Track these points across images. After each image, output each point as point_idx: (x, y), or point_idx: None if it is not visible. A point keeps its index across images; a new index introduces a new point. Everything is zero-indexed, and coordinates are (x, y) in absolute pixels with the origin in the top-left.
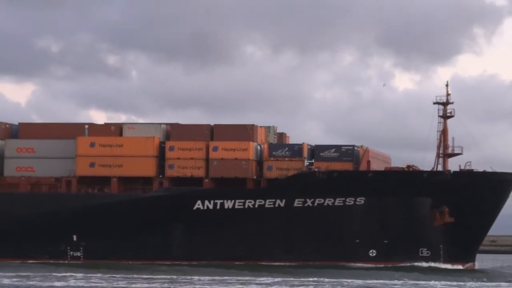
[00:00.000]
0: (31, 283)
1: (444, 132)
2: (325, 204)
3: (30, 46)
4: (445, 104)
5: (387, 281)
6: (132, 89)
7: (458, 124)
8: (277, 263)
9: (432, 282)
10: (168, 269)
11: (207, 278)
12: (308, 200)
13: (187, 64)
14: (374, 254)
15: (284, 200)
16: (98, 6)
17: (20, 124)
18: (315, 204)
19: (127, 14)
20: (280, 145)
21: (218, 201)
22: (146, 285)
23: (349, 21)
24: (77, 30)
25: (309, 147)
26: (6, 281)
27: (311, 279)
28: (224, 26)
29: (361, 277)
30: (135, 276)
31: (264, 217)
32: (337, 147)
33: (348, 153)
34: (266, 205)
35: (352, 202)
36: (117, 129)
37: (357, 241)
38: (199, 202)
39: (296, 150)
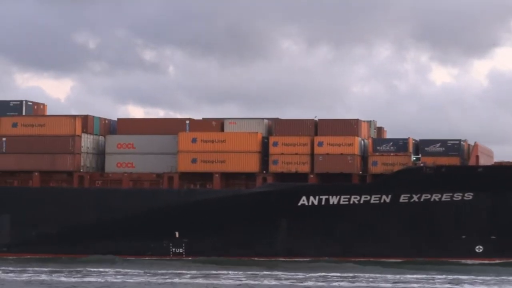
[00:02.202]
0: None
1: None
2: (432, 199)
3: (68, 42)
4: None
5: (496, 277)
6: (169, 84)
7: None
8: (382, 259)
9: None
10: (285, 266)
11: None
12: (414, 195)
13: (223, 59)
14: (481, 250)
15: (390, 196)
16: (134, 1)
17: (119, 119)
18: (421, 200)
19: (162, 9)
20: (384, 139)
21: (323, 197)
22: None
23: (384, 15)
24: (113, 26)
25: (413, 141)
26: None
27: (420, 276)
28: (260, 21)
29: (469, 273)
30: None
31: (369, 212)
32: (443, 142)
33: (454, 147)
34: (372, 201)
35: (460, 198)
36: (218, 124)
37: (464, 237)
38: (303, 198)
39: (401, 145)
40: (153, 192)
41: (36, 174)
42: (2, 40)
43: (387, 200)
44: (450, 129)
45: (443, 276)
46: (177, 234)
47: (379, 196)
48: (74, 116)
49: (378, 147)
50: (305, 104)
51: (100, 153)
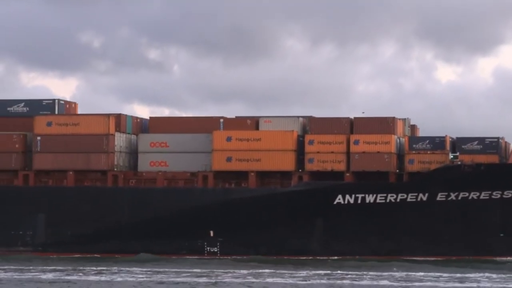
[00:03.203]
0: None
1: None
2: (470, 197)
3: (73, 41)
4: None
5: None
6: (174, 83)
7: None
8: (419, 258)
9: None
10: (321, 264)
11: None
12: (452, 193)
13: (227, 58)
14: None
15: (427, 194)
16: (137, 0)
17: (151, 118)
18: (459, 198)
19: (166, 8)
20: (420, 137)
21: (360, 195)
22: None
23: (388, 13)
24: (117, 25)
25: (450, 139)
26: (179, 279)
27: (457, 275)
28: (263, 19)
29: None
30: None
31: (406, 211)
32: (480, 139)
33: (492, 145)
34: (408, 199)
35: (499, 196)
36: (253, 123)
37: (502, 235)
38: (339, 196)
39: (437, 143)
40: (188, 191)
41: (71, 173)
42: (8, 40)
43: (424, 199)
44: (457, 127)
45: (481, 274)
46: (212, 233)
47: (416, 194)
48: (108, 115)
49: (414, 145)
50: (310, 103)
51: (132, 152)
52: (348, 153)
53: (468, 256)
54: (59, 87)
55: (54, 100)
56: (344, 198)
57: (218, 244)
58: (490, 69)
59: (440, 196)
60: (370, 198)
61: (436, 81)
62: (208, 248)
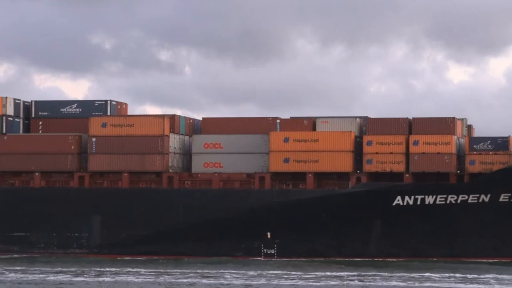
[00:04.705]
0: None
1: None
2: None
3: (84, 43)
4: None
5: None
6: (185, 84)
7: None
8: (483, 260)
9: None
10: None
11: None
12: None
13: (238, 59)
14: None
15: (489, 195)
16: (148, 1)
17: (204, 119)
18: None
19: (177, 9)
20: (481, 138)
21: (419, 197)
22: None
23: (398, 14)
24: (128, 26)
25: None
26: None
27: None
28: (274, 20)
29: None
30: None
31: (467, 212)
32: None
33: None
34: (469, 201)
35: None
36: (310, 124)
37: None
38: (398, 197)
39: (499, 143)
40: (245, 192)
41: (126, 174)
42: (20, 41)
43: (486, 200)
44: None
45: None
46: (269, 234)
47: (477, 195)
48: (163, 116)
49: (474, 146)
50: (321, 103)
51: (185, 153)
52: (407, 154)
53: None
54: (71, 88)
55: (106, 101)
56: (403, 199)
57: (275, 246)
58: (502, 70)
59: (503, 197)
60: (429, 200)
61: (447, 81)
62: (265, 250)
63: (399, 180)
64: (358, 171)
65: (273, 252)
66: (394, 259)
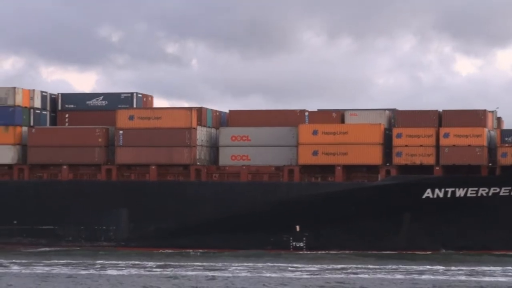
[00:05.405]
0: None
1: None
2: None
3: (91, 35)
4: None
5: None
6: (192, 77)
7: None
8: (508, 252)
9: None
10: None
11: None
12: None
13: (245, 51)
14: None
15: None
16: None
17: (230, 111)
18: None
19: (184, 2)
20: None
21: (449, 190)
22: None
23: (405, 6)
24: (135, 19)
25: None
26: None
27: None
28: (281, 13)
29: None
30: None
31: (499, 205)
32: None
33: None
34: (501, 193)
35: None
36: (338, 116)
37: None
38: (428, 190)
39: None
40: (274, 185)
41: (153, 167)
42: (28, 34)
43: None
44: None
45: None
46: (298, 228)
47: (509, 188)
48: (190, 109)
49: (506, 138)
50: (329, 96)
51: (212, 146)
52: (437, 146)
53: None
54: (78, 81)
55: (132, 93)
56: (433, 192)
57: (304, 239)
58: (509, 62)
59: None
60: (460, 192)
61: (455, 73)
62: (294, 243)
63: (429, 173)
64: (388, 164)
65: (302, 245)
66: (425, 252)
